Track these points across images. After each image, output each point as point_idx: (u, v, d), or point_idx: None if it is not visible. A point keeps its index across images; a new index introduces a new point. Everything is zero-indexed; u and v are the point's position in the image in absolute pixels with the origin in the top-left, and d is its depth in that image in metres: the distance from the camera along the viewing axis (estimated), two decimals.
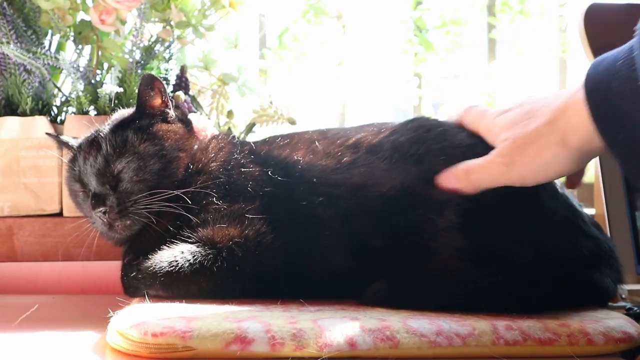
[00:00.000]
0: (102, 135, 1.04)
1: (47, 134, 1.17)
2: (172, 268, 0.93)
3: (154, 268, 0.94)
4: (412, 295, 0.90)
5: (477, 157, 0.92)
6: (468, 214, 0.91)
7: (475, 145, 0.95)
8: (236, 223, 0.97)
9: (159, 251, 0.97)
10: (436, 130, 1.00)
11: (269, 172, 1.02)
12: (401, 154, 0.98)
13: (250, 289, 0.96)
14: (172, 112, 1.10)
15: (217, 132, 1.16)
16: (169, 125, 1.08)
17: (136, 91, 1.29)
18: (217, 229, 0.97)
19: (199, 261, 0.94)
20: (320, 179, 0.99)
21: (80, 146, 1.07)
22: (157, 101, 1.08)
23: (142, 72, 1.35)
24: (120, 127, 1.06)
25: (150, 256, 0.97)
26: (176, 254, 0.95)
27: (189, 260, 0.94)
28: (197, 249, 0.95)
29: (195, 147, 1.08)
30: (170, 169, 1.03)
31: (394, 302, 0.89)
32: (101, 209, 1.00)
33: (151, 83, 1.06)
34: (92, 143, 1.05)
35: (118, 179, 1.01)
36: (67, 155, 1.13)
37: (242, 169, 1.04)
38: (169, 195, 1.00)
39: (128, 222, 1.01)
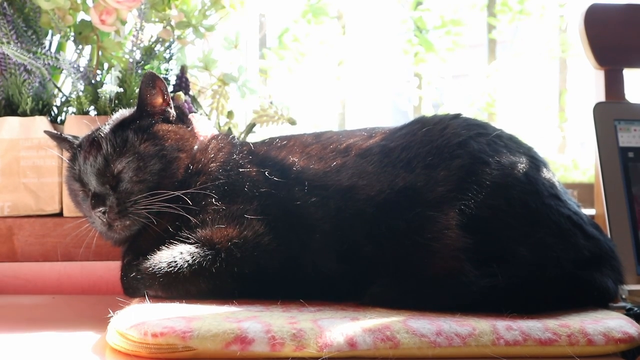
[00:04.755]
0: (103, 134, 1.04)
1: (45, 132, 1.16)
2: (171, 269, 0.93)
3: (153, 269, 0.94)
4: (413, 297, 0.90)
5: (469, 153, 0.94)
6: (470, 211, 0.91)
7: (466, 141, 0.97)
8: (235, 224, 0.97)
9: (158, 251, 0.97)
10: (422, 130, 1.01)
11: (266, 173, 1.03)
12: (391, 159, 0.99)
13: (248, 289, 0.96)
14: (173, 112, 1.10)
15: (217, 133, 1.16)
16: (170, 125, 1.08)
17: (136, 91, 1.29)
18: (216, 229, 0.97)
19: (198, 262, 0.94)
20: (313, 181, 1.00)
21: (80, 145, 1.07)
22: (159, 100, 1.08)
23: (143, 72, 1.35)
24: (121, 126, 1.05)
25: (149, 257, 0.97)
26: (175, 255, 0.95)
27: (188, 261, 0.94)
28: (196, 250, 0.95)
29: (195, 147, 1.08)
30: (170, 170, 1.03)
31: (395, 304, 0.89)
32: (101, 209, 1.00)
33: (153, 81, 1.05)
34: (93, 142, 1.05)
35: (118, 179, 1.01)
36: (67, 154, 1.13)
37: (241, 170, 1.04)
38: (169, 197, 1.00)
39: (127, 222, 1.01)
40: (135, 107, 1.09)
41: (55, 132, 1.15)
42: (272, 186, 1.01)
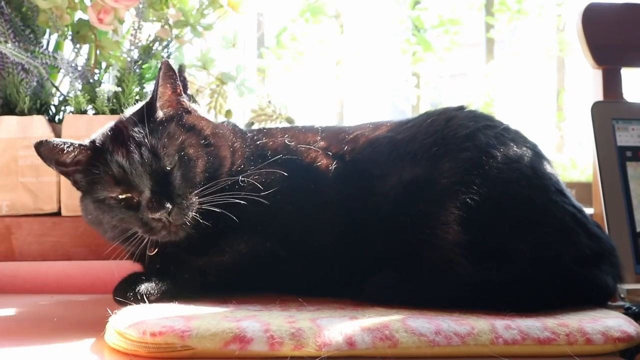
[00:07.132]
0: (137, 133, 0.96)
1: (39, 141, 1.01)
2: None
3: None
4: (411, 293, 0.90)
5: (477, 147, 0.94)
6: (474, 205, 0.91)
7: (474, 134, 0.97)
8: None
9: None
10: (427, 122, 1.02)
11: (286, 140, 1.04)
12: (399, 152, 0.99)
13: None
14: (187, 100, 1.05)
15: (222, 120, 1.16)
16: (192, 115, 1.04)
17: (135, 90, 1.29)
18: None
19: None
20: (330, 151, 1.04)
21: (105, 148, 0.97)
22: (177, 90, 1.02)
23: (141, 72, 1.35)
24: (152, 121, 0.98)
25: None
26: None
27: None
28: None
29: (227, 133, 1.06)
30: (219, 156, 0.99)
31: (393, 301, 0.89)
32: (164, 210, 0.92)
33: (170, 72, 1.00)
34: (126, 142, 0.96)
35: (174, 177, 0.95)
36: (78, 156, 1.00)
37: (259, 142, 1.06)
38: (226, 184, 0.96)
39: (187, 222, 0.94)
40: (154, 101, 1.01)
41: (57, 138, 1.05)
42: (291, 152, 1.03)
